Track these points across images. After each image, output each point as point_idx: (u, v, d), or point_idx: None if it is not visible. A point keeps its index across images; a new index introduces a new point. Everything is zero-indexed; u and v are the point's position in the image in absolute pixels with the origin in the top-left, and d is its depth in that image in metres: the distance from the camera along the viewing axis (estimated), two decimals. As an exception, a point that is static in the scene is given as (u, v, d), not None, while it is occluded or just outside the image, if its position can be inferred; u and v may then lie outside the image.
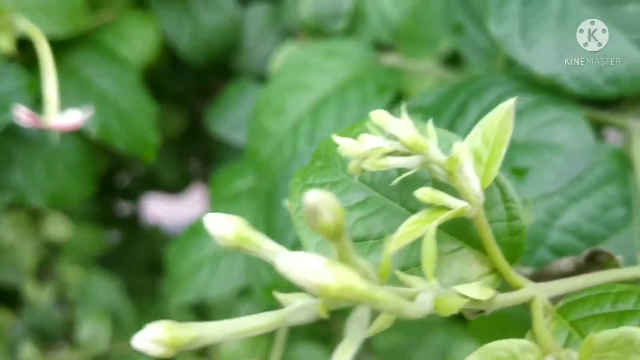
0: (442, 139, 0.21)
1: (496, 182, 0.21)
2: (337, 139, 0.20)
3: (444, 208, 0.20)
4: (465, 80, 0.40)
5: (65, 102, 0.49)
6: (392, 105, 0.52)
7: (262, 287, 0.55)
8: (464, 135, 0.39)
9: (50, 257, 1.00)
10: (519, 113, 0.38)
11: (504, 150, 0.20)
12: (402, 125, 0.19)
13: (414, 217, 0.20)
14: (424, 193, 0.19)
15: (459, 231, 0.22)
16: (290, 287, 0.42)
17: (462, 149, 0.20)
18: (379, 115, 0.19)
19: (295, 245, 0.47)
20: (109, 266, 0.98)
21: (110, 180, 1.10)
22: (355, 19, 0.65)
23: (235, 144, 0.71)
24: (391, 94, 0.56)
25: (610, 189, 0.37)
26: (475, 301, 0.19)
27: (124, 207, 1.14)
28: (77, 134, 0.62)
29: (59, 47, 0.58)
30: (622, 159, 0.37)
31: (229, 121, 0.71)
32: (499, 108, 0.21)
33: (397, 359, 0.79)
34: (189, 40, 0.69)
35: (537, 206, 0.36)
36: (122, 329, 0.91)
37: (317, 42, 0.63)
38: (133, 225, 1.12)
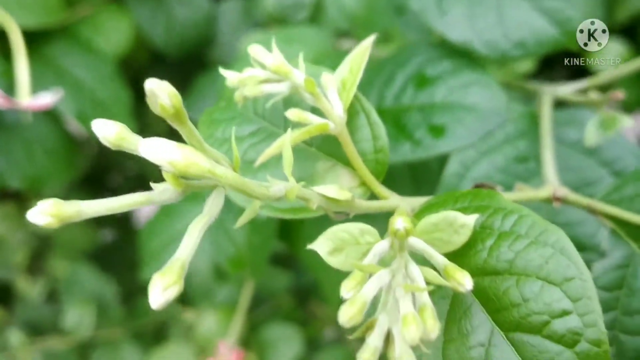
0: (316, 72, 0.25)
1: (363, 108, 0.25)
2: (222, 70, 0.24)
3: (312, 127, 0.23)
4: (392, 54, 0.44)
5: (43, 90, 0.53)
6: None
7: (228, 259, 0.59)
8: (392, 100, 0.43)
9: (41, 253, 1.03)
10: (438, 77, 0.41)
11: (360, 75, 0.24)
12: (270, 56, 0.22)
13: (285, 135, 0.23)
14: (292, 113, 0.23)
15: (332, 151, 0.25)
16: (251, 255, 0.45)
17: (327, 76, 0.23)
18: (255, 49, 0.23)
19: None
20: (102, 264, 1.00)
21: (102, 179, 1.13)
22: (318, 8, 0.69)
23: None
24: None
25: (520, 144, 0.40)
26: (335, 201, 0.22)
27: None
28: (56, 122, 0.66)
29: (37, 39, 0.62)
30: (532, 119, 0.41)
31: (201, 110, 0.74)
32: (362, 44, 0.24)
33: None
34: (163, 34, 0.73)
35: (452, 159, 0.40)
36: (107, 317, 0.93)
37: (279, 30, 0.66)
38: (125, 224, 1.15)
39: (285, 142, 0.21)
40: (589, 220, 0.38)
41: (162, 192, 0.19)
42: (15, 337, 0.89)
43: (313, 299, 0.92)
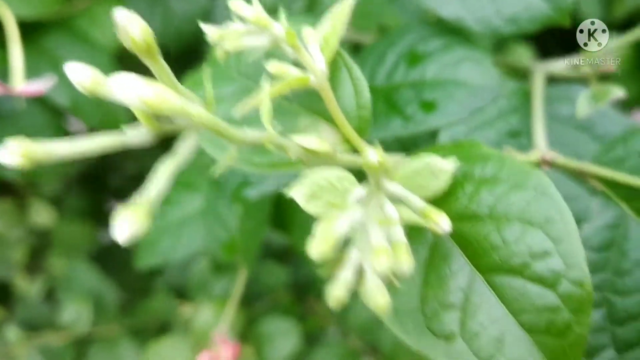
0: (298, 28, 0.24)
1: (345, 64, 0.25)
2: (203, 26, 0.23)
3: (292, 80, 0.23)
4: (384, 35, 0.44)
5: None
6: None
7: (221, 245, 0.59)
8: (384, 78, 0.43)
9: (40, 251, 1.02)
10: (430, 54, 0.41)
11: (342, 27, 0.23)
12: (250, 8, 0.22)
13: (265, 88, 0.23)
14: (273, 66, 0.23)
15: (314, 107, 0.25)
16: (244, 240, 0.45)
17: (308, 30, 0.23)
18: (235, 3, 0.23)
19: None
20: (101, 264, 1.00)
21: (101, 180, 1.12)
22: (313, -1, 0.69)
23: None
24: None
25: (512, 119, 0.40)
26: (314, 153, 0.22)
27: (115, 207, 1.16)
28: (52, 115, 0.66)
29: (34, 30, 0.63)
30: (525, 95, 0.41)
31: (198, 102, 0.74)
32: (344, 2, 0.24)
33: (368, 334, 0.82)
34: (160, 27, 0.73)
35: (442, 134, 0.39)
36: (105, 313, 0.93)
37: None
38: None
39: (264, 93, 0.21)
40: (582, 196, 0.37)
41: (135, 135, 0.19)
42: (12, 333, 0.89)
43: (312, 294, 0.91)
